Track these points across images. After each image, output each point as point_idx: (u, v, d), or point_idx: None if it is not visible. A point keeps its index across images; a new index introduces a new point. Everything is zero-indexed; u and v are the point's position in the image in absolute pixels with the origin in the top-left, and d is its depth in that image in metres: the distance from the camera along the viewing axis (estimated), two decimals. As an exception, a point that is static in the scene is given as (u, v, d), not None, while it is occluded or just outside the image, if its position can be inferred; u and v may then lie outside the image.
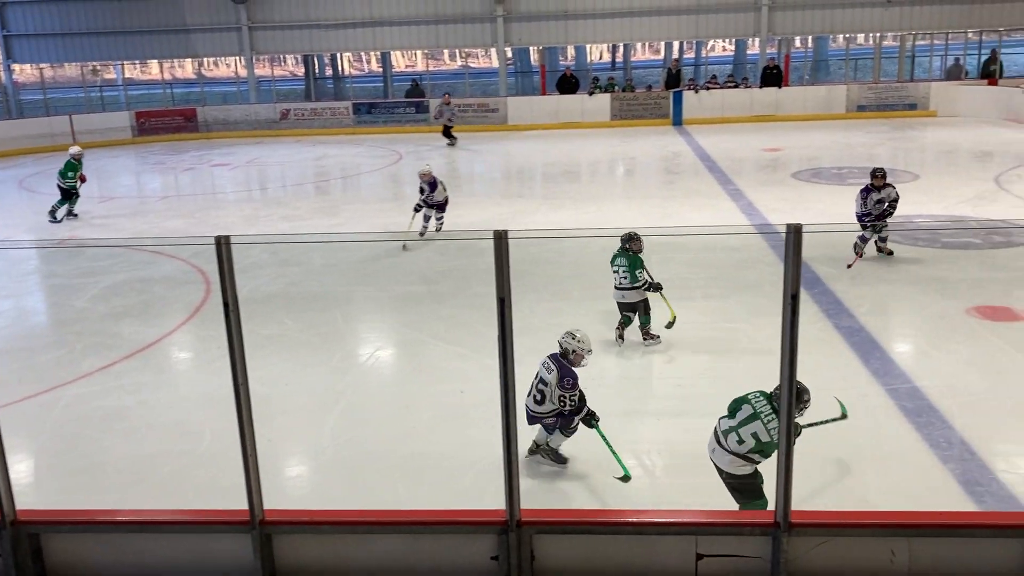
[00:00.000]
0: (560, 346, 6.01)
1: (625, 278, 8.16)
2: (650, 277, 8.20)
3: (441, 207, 12.77)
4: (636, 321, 8.36)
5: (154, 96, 29.87)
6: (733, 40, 33.02)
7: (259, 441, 4.04)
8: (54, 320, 10.38)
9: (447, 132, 22.89)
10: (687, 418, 6.83)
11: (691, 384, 7.48)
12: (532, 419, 6.02)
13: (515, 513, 3.97)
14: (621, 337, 8.36)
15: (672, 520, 4.16)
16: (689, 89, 25.41)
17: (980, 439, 6.30)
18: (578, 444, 6.25)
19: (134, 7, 26.74)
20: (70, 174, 14.93)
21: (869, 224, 10.63)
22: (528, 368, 7.60)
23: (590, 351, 6.04)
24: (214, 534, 4.17)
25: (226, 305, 3.88)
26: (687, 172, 18.07)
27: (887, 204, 10.60)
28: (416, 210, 12.63)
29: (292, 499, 5.91)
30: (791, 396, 3.79)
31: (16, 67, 28.61)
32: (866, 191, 10.68)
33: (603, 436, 5.93)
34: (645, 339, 8.32)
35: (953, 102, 24.54)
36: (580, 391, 5.93)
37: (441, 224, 12.78)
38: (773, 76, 25.14)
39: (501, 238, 3.68)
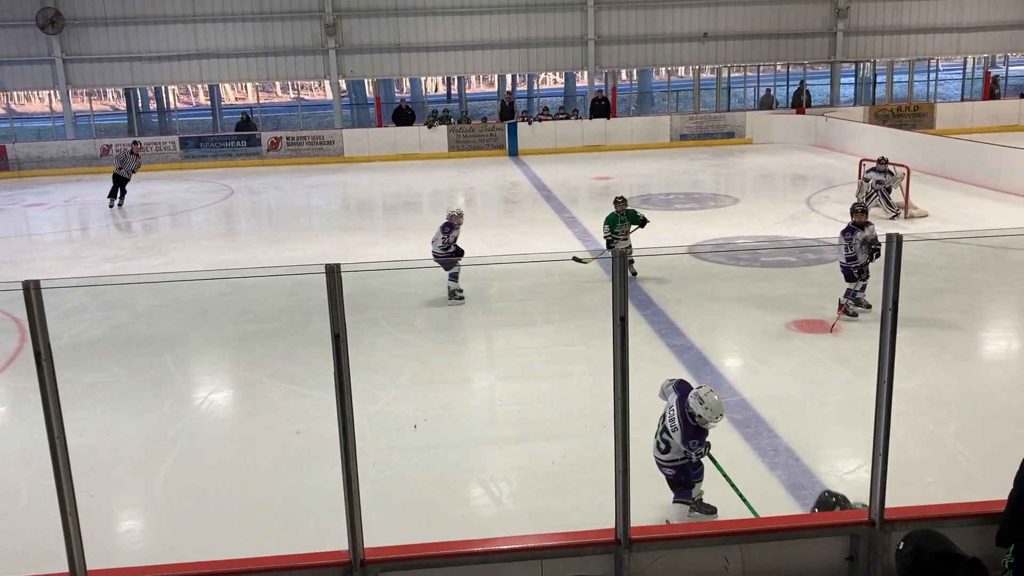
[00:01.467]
0: (687, 404, 5.39)
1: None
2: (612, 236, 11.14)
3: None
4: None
5: (-45, 132, 27.68)
6: (563, 73, 34.11)
7: (81, 496, 3.77)
8: None
9: (120, 185, 19.47)
10: (529, 443, 6.93)
11: (532, 409, 7.59)
12: (662, 467, 5.62)
13: (359, 552, 3.88)
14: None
15: (517, 546, 4.18)
16: (523, 121, 26.03)
17: (803, 445, 6.71)
18: (424, 474, 6.20)
19: (-70, 37, 24.79)
20: None
21: (856, 268, 9.24)
22: (368, 402, 7.52)
23: (720, 417, 5.37)
24: (30, 602, 3.86)
25: (37, 355, 3.62)
26: (525, 201, 18.46)
27: (872, 244, 9.18)
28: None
29: (123, 557, 5.55)
30: (625, 415, 3.91)
31: None
32: (849, 231, 9.28)
33: (723, 472, 5.58)
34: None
35: (767, 130, 26.30)
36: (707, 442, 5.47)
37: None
38: (602, 108, 26.14)
39: (333, 272, 3.63)
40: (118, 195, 19.48)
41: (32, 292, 3.59)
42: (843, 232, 9.39)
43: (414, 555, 4.11)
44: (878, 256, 9.04)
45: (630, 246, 10.96)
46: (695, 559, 4.21)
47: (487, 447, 7.01)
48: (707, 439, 5.46)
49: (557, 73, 36.60)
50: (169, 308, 11.15)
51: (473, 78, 38.53)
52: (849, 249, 9.30)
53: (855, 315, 9.43)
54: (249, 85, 35.31)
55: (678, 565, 4.19)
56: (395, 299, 10.97)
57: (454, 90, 38.96)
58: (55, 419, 3.68)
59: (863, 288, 9.38)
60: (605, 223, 11.32)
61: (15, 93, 29.34)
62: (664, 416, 5.58)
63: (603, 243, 11.64)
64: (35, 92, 31.37)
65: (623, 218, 11.23)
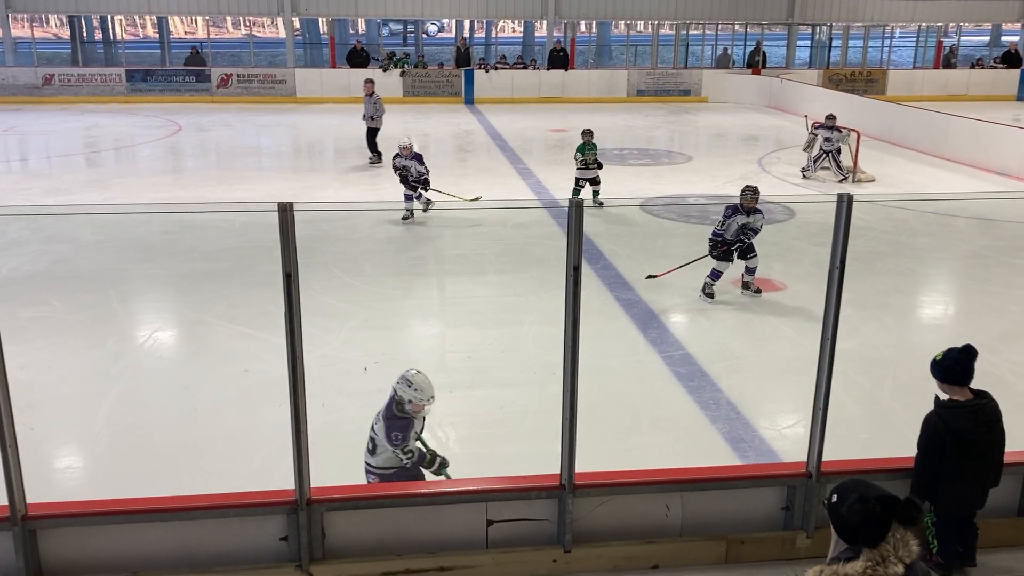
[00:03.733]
0: (394, 393, 4.69)
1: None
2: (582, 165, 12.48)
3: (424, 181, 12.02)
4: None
5: None
6: (522, 22, 33.69)
7: (20, 431, 3.71)
8: None
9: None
10: (478, 389, 6.97)
11: (482, 356, 7.63)
12: (368, 474, 4.80)
13: (305, 492, 3.90)
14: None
15: (462, 488, 4.24)
16: (480, 68, 25.72)
17: (744, 400, 6.86)
18: (371, 416, 6.21)
19: None
20: None
21: (717, 247, 8.94)
22: (317, 345, 7.49)
23: (432, 398, 4.69)
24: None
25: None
26: (479, 150, 18.32)
27: (749, 232, 8.89)
28: (413, 190, 11.92)
29: (63, 492, 5.50)
30: (575, 364, 3.95)
31: None
32: (732, 211, 8.88)
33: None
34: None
35: (723, 89, 26.38)
36: (417, 446, 4.78)
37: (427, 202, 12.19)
38: (560, 59, 25.92)
39: (286, 211, 3.58)
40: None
41: (287, 214, 3.50)
42: (726, 209, 8.94)
43: (360, 495, 4.14)
44: (743, 247, 8.90)
45: (598, 177, 12.59)
46: (637, 505, 4.31)
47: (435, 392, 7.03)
48: (447, 460, 4.76)
49: (516, 22, 36.17)
50: (112, 244, 10.90)
51: (431, 24, 37.93)
52: (722, 225, 8.90)
53: (759, 291, 9.13)
54: (199, 19, 34.30)
55: (620, 511, 4.29)
56: (345, 244, 10.86)
57: (410, 33, 38.28)
58: (-5, 351, 3.60)
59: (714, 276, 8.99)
60: (576, 151, 12.62)
61: (-50, 15, 28.01)
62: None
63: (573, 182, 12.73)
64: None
65: (590, 148, 12.49)
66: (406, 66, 25.46)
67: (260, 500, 3.97)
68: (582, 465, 4.18)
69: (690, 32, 29.57)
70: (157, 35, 34.18)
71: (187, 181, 15.35)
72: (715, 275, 9.00)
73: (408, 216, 11.90)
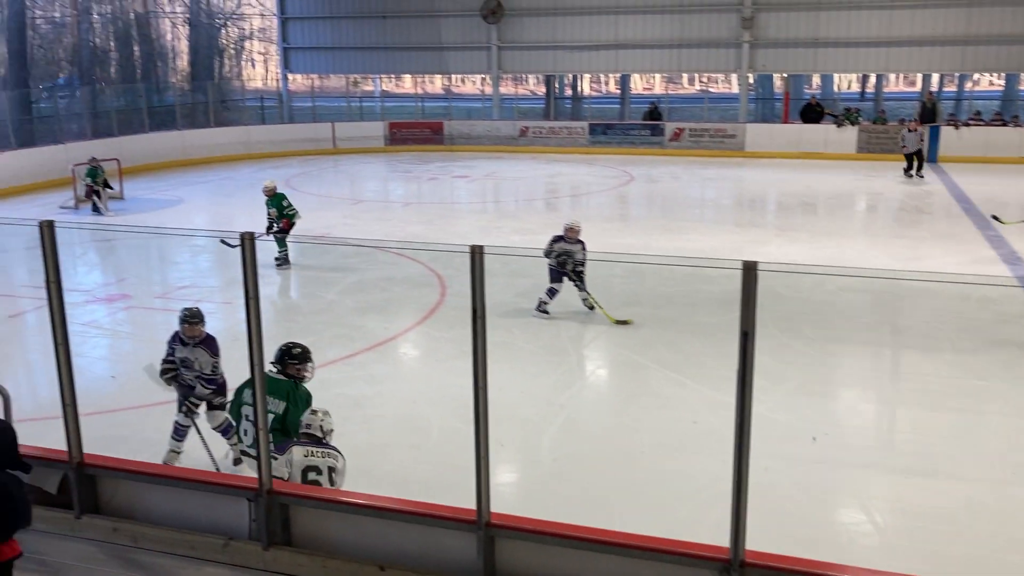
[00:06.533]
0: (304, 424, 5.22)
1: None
2: None
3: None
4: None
5: (406, 109, 31.78)
6: (1003, 75, 30.35)
7: (491, 444, 4.19)
8: (307, 309, 11.30)
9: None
10: (923, 478, 6.36)
11: (929, 441, 6.95)
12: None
13: (739, 553, 3.87)
14: None
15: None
16: (949, 125, 23.66)
17: None
18: (800, 483, 5.97)
19: (397, 25, 28.65)
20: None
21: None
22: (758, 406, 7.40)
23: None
24: (441, 529, 4.37)
25: (474, 311, 4.08)
26: (939, 213, 16.84)
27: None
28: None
29: (505, 505, 6.07)
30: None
31: (291, 77, 31.48)
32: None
33: None
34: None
35: None
36: None
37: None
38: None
39: (751, 269, 3.61)
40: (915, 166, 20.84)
41: (477, 256, 4.04)
42: None
43: (793, 568, 4.00)
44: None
45: None
46: None
47: (871, 471, 6.57)
48: None
49: (996, 75, 32.72)
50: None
51: (892, 76, 35.87)
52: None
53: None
54: (657, 76, 36.23)
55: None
56: (785, 303, 10.62)
57: (869, 88, 36.53)
58: (481, 370, 4.14)
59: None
60: None
61: (454, 76, 32.85)
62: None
63: None
64: (470, 76, 34.99)
65: None
66: (859, 120, 24.36)
67: (694, 552, 4.01)
68: None
69: None
70: (618, 91, 36.75)
71: (633, 228, 16.23)
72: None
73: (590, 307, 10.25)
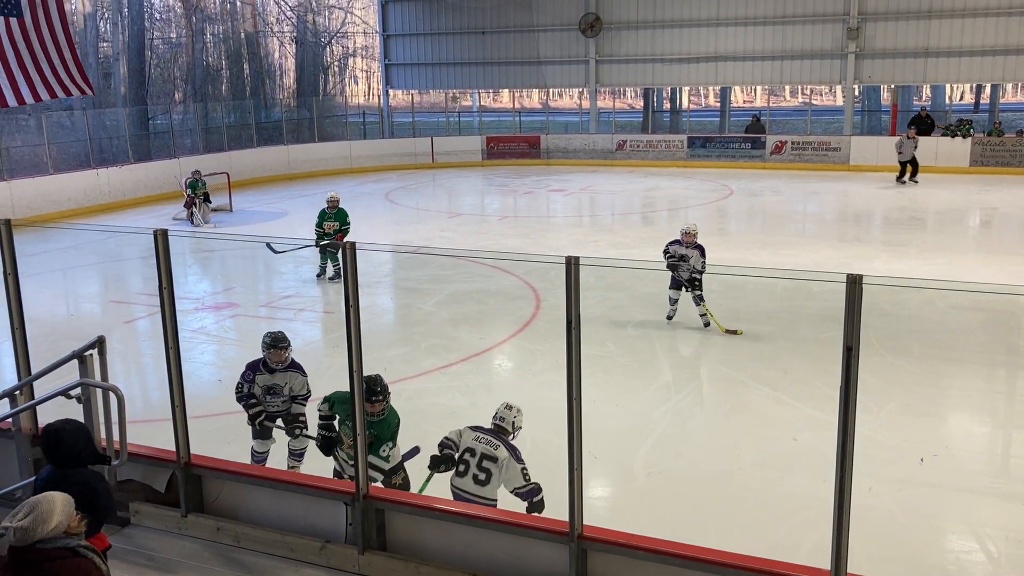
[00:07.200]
0: (498, 417, 5.48)
1: None
2: None
3: None
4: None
5: (503, 123, 32.09)
6: None
7: (585, 456, 4.17)
8: (403, 319, 11.49)
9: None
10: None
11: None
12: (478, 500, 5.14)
13: (841, 572, 3.73)
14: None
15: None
16: (1070, 136, 22.47)
17: None
18: (907, 508, 5.73)
19: (496, 40, 29.00)
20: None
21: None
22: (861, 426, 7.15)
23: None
24: (533, 539, 4.37)
25: (569, 322, 4.07)
26: (1061, 229, 15.99)
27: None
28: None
29: (597, 518, 6.02)
30: None
31: (392, 92, 32.21)
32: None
33: None
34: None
35: None
36: None
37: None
38: None
39: (855, 283, 3.50)
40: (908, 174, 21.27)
41: (572, 267, 4.04)
42: None
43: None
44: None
45: None
46: None
47: (984, 497, 6.26)
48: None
49: (1123, 82, 30.91)
50: (660, 297, 11.72)
51: (1010, 85, 34.28)
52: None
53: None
54: (758, 88, 35.55)
55: None
56: (891, 320, 10.25)
57: (984, 98, 34.98)
58: (575, 381, 4.13)
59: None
60: None
61: (551, 90, 33.00)
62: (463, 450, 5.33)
63: None
64: (567, 90, 35.09)
65: None
66: (972, 132, 23.35)
67: (790, 572, 3.89)
68: None
69: None
70: (718, 104, 36.23)
71: (732, 243, 15.90)
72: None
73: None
